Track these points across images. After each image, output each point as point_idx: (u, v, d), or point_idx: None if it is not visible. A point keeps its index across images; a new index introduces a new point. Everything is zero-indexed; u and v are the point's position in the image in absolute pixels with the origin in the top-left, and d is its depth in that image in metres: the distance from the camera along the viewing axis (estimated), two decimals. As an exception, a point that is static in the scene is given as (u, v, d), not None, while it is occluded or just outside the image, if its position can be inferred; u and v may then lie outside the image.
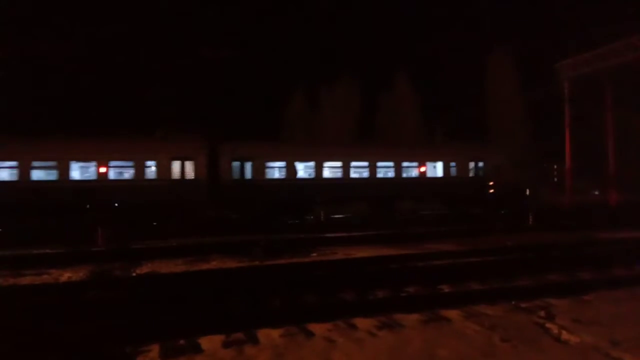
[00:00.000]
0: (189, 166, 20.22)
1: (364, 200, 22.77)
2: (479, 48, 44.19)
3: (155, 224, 19.27)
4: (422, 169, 23.86)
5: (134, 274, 10.23)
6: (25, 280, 9.76)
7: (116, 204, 19.05)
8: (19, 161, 18.39)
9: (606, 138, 30.90)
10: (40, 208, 17.92)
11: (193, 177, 20.14)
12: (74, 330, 5.79)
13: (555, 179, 38.62)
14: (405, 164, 23.64)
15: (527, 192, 25.37)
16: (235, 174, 21.10)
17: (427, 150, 25.97)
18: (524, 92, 40.78)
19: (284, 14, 63.05)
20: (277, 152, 22.23)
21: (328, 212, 21.93)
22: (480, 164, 24.77)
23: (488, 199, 24.30)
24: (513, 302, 7.06)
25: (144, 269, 10.88)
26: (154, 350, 5.39)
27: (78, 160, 19.31)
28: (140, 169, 19.63)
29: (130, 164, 19.65)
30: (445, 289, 8.28)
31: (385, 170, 23.44)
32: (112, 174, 19.59)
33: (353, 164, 22.68)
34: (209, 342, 5.56)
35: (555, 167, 39.05)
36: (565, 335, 5.61)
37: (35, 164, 18.65)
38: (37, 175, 18.76)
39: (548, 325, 6.00)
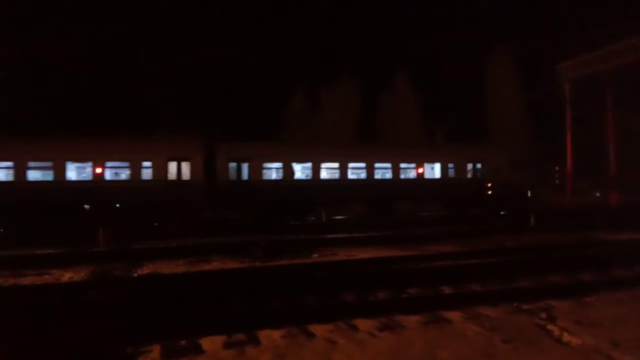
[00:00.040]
0: (186, 167, 20.15)
1: (361, 202, 22.68)
2: (479, 48, 44.26)
3: (154, 224, 19.24)
4: (420, 170, 23.82)
5: (135, 275, 10.23)
6: (27, 280, 9.76)
7: (112, 205, 18.98)
8: (14, 161, 18.35)
9: (607, 139, 30.91)
10: (37, 208, 17.84)
11: (189, 178, 20.08)
12: (76, 330, 5.79)
13: (557, 181, 38.65)
14: (402, 165, 23.60)
15: (528, 194, 25.33)
16: (232, 175, 21.03)
17: (425, 151, 25.89)
18: (524, 92, 40.83)
19: (284, 14, 63.12)
20: (274, 152, 22.14)
21: (326, 213, 21.90)
22: (479, 165, 24.74)
23: (486, 200, 24.27)
24: (514, 304, 7.05)
25: (145, 269, 10.88)
26: (155, 350, 5.39)
27: (74, 160, 19.28)
28: (136, 169, 19.57)
29: (126, 164, 19.61)
30: (446, 290, 8.28)
31: (383, 171, 23.40)
32: (108, 175, 19.55)
33: (350, 165, 22.63)
34: (210, 343, 5.56)
35: (556, 168, 39.08)
36: (566, 336, 5.60)
37: (31, 164, 18.62)
38: (33, 175, 18.71)
39: (549, 326, 5.99)
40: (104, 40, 38.57)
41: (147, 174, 19.74)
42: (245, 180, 21.05)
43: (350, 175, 22.67)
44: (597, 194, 33.86)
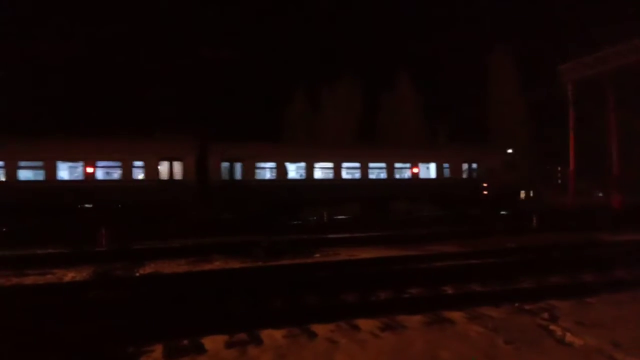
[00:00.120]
0: (178, 166, 20.07)
1: (356, 202, 22.65)
2: (479, 48, 44.31)
3: (147, 224, 19.15)
4: (415, 170, 23.78)
5: (137, 274, 10.24)
6: (29, 279, 9.77)
7: (103, 204, 18.89)
8: (5, 161, 18.31)
9: (609, 140, 30.90)
10: (28, 208, 17.81)
11: (181, 178, 19.99)
12: (78, 330, 5.78)
13: (559, 180, 38.66)
14: (397, 165, 23.56)
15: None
16: (225, 175, 20.96)
17: (420, 151, 25.87)
18: (525, 92, 40.85)
19: (284, 14, 63.20)
20: (267, 152, 22.11)
21: (320, 213, 21.86)
22: (474, 165, 24.69)
23: (482, 200, 24.23)
24: (516, 304, 7.05)
25: (147, 269, 10.88)
26: (157, 350, 5.38)
27: (65, 160, 19.22)
28: (127, 169, 19.50)
29: (117, 164, 19.54)
30: (448, 290, 8.28)
31: (378, 171, 23.36)
32: (99, 174, 19.49)
33: (345, 164, 22.59)
34: (212, 342, 5.55)
35: (559, 168, 39.09)
36: (569, 337, 5.60)
37: (22, 163, 18.58)
38: (24, 175, 18.68)
39: (552, 327, 6.00)
40: (104, 40, 38.61)
41: (138, 173, 19.70)
42: (238, 180, 20.97)
43: (345, 175, 22.63)
44: (600, 194, 33.85)
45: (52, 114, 34.66)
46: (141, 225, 18.30)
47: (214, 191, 20.42)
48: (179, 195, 19.51)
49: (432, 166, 24.25)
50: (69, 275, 10.17)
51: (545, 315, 6.52)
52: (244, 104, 43.67)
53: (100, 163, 19.39)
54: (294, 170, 22.34)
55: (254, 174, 21.34)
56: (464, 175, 24.51)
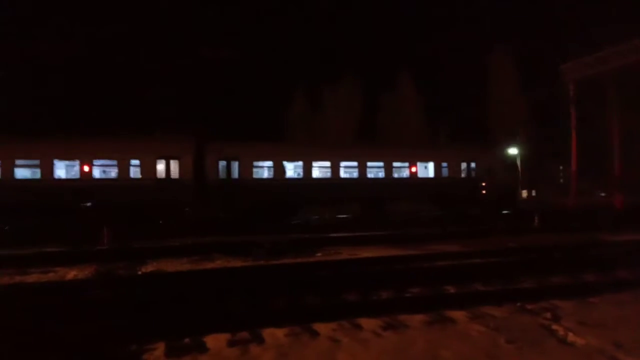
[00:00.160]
0: (174, 165, 20.08)
1: (354, 201, 22.62)
2: (479, 48, 44.29)
3: (144, 223, 19.10)
4: (413, 169, 23.76)
5: (139, 273, 10.24)
6: (32, 278, 9.79)
7: (100, 203, 18.81)
8: (1, 160, 18.25)
9: (611, 140, 30.90)
10: (24, 207, 17.78)
11: (178, 177, 19.99)
12: (80, 328, 5.78)
13: (561, 180, 38.63)
14: (395, 164, 23.51)
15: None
16: (222, 174, 20.96)
17: (418, 150, 25.81)
18: (525, 92, 40.83)
19: (284, 14, 63.19)
20: (264, 151, 22.06)
21: (318, 212, 21.79)
22: (473, 164, 24.67)
23: (480, 199, 24.21)
24: (518, 304, 7.04)
25: (149, 267, 10.90)
26: (160, 348, 5.38)
27: (61, 158, 19.19)
28: (124, 167, 19.49)
29: (114, 162, 19.52)
30: (450, 289, 8.27)
31: (376, 170, 23.31)
32: (96, 173, 19.47)
33: (342, 163, 22.52)
34: (214, 341, 5.55)
35: (560, 168, 39.06)
36: (571, 337, 5.59)
37: (19, 162, 18.55)
38: (21, 173, 18.65)
39: (554, 326, 5.98)
40: (104, 40, 38.57)
41: (135, 172, 19.66)
42: (236, 179, 20.95)
43: (343, 174, 22.60)
44: (602, 194, 33.80)
45: (52, 114, 34.65)
46: (139, 224, 18.31)
47: (211, 190, 20.41)
48: (176, 194, 19.49)
49: (430, 165, 24.22)
50: (71, 274, 10.19)
51: (548, 315, 6.50)
52: (244, 104, 43.72)
53: (97, 162, 19.35)
54: (291, 169, 22.32)
55: (251, 172, 21.31)
56: (463, 175, 24.50)
